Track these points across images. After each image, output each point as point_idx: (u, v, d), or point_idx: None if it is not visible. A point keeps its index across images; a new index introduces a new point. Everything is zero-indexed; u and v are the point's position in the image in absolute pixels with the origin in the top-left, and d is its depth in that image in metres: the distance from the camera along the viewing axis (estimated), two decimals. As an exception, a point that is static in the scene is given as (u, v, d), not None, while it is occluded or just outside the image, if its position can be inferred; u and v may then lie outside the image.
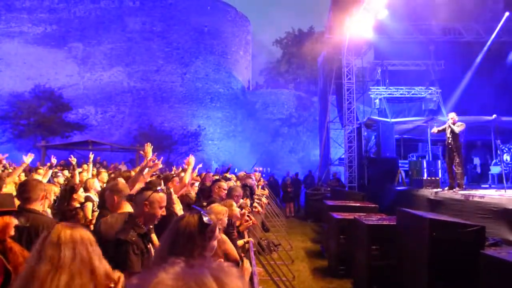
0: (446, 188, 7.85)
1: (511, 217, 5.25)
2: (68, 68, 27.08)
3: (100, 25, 27.44)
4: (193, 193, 5.63)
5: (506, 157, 10.66)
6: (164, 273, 0.58)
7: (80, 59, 27.36)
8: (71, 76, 27.00)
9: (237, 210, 4.12)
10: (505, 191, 7.08)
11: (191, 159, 4.66)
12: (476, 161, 13.32)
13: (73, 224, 1.60)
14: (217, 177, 9.03)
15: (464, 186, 7.90)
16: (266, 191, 11.49)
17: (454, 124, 7.71)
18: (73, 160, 6.60)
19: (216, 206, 2.91)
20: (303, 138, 30.31)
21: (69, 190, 4.95)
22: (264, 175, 21.51)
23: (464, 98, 14.05)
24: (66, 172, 8.28)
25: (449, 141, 7.83)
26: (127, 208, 2.90)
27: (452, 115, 7.89)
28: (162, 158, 8.31)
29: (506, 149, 10.83)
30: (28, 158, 5.23)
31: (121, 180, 4.30)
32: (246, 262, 2.69)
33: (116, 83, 27.05)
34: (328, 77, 18.02)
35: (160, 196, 2.52)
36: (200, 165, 8.88)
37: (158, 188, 2.65)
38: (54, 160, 6.40)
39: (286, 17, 43.85)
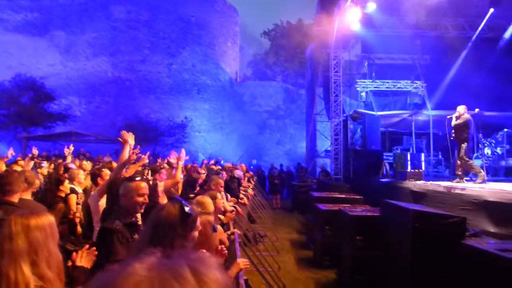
0: (456, 180, 7.82)
1: (490, 209, 5.38)
2: (50, 57, 26.41)
3: (83, 13, 26.78)
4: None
5: (487, 150, 10.91)
6: (138, 264, 0.55)
7: (63, 48, 26.71)
8: (53, 65, 26.36)
9: (221, 202, 4.11)
10: (486, 184, 7.25)
11: (183, 154, 4.62)
12: (459, 154, 13.58)
13: (28, 213, 1.58)
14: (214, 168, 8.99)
15: (462, 178, 7.84)
16: (253, 183, 11.52)
17: (457, 118, 7.81)
18: (70, 150, 6.51)
19: (202, 197, 2.89)
20: (290, 130, 30.39)
21: (55, 181, 4.86)
22: (252, 167, 21.56)
23: (449, 92, 14.26)
24: (46, 164, 8.12)
25: (452, 134, 7.94)
26: None
27: (459, 108, 7.88)
28: (148, 152, 8.22)
29: (487, 143, 11.08)
30: (10, 152, 5.11)
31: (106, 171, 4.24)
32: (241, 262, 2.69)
33: (101, 73, 26.53)
34: (315, 69, 18.05)
35: (136, 185, 2.50)
36: (187, 157, 8.82)
37: (138, 178, 2.63)
38: (35, 151, 6.26)
39: (275, 9, 43.57)
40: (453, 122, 7.80)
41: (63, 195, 4.38)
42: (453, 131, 7.88)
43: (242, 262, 2.62)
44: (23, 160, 6.30)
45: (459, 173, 7.87)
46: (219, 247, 2.65)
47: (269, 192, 15.71)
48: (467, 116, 7.73)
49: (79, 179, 4.77)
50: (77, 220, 4.38)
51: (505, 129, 10.64)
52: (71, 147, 6.69)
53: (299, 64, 34.74)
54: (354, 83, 16.67)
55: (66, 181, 4.50)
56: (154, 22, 27.16)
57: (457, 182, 7.70)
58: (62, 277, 1.51)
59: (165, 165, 5.99)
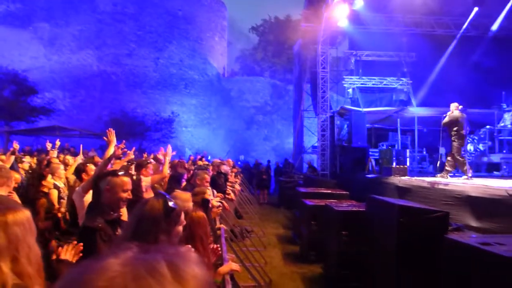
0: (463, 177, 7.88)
1: (472, 204, 5.50)
2: (34, 49, 25.79)
3: (68, 4, 26.17)
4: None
5: (469, 147, 11.13)
6: (113, 259, 0.52)
7: (47, 41, 26.10)
8: (37, 58, 25.75)
9: (210, 198, 4.10)
10: (468, 179, 7.41)
11: (169, 149, 4.60)
12: (442, 150, 13.83)
13: (4, 208, 1.54)
14: (201, 163, 8.94)
15: (447, 174, 7.95)
16: (240, 178, 11.51)
17: (449, 116, 7.95)
18: (49, 145, 6.38)
19: (181, 193, 2.87)
20: (277, 126, 30.44)
21: (37, 176, 4.76)
22: (239, 163, 21.56)
23: (433, 90, 14.50)
24: (28, 158, 7.97)
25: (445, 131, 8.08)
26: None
27: (451, 106, 8.04)
28: (134, 148, 8.13)
29: (470, 139, 11.30)
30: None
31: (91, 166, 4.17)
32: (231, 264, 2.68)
33: (86, 67, 26.05)
34: (303, 65, 18.09)
35: (121, 180, 2.46)
36: (174, 153, 8.75)
37: (120, 172, 2.58)
38: (16, 146, 6.12)
39: (263, 5, 43.39)
40: (444, 120, 7.96)
41: (46, 190, 4.30)
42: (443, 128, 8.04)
43: (235, 265, 2.62)
44: (4, 155, 6.15)
45: (448, 168, 7.99)
46: (213, 246, 2.65)
47: (257, 187, 15.77)
48: (455, 114, 7.89)
49: (59, 174, 4.68)
50: (60, 215, 4.31)
51: (488, 126, 10.87)
52: (57, 142, 6.56)
53: (287, 60, 34.76)
54: (341, 79, 16.78)
55: (49, 176, 4.41)
56: (141, 15, 26.76)
57: (441, 177, 7.85)
58: (41, 273, 1.48)
59: (152, 160, 5.93)
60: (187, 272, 0.52)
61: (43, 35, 26.07)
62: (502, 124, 10.93)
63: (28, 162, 7.48)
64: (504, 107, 10.90)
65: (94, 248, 2.16)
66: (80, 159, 5.64)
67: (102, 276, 0.49)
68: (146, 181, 4.50)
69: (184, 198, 2.77)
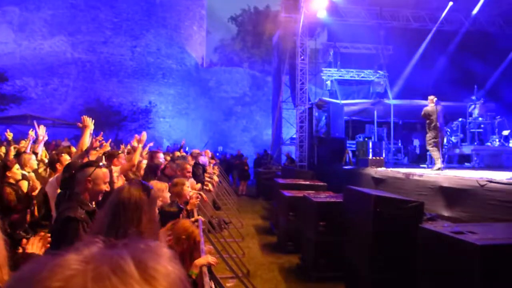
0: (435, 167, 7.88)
1: (446, 194, 5.66)
2: (2, 34, 24.67)
3: (39, -12, 25.13)
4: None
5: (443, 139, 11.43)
6: (73, 254, 0.46)
7: (17, 25, 24.99)
8: (6, 43, 24.66)
9: (188, 190, 4.04)
10: (441, 171, 7.61)
11: (144, 136, 4.48)
12: (416, 142, 14.20)
13: None
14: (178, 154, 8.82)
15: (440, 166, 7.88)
16: (217, 170, 11.45)
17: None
18: (9, 135, 6.08)
19: (156, 183, 2.83)
20: (256, 117, 30.41)
21: (1, 166, 4.55)
22: (217, 154, 21.45)
23: (409, 82, 14.78)
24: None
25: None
26: None
27: (430, 97, 8.20)
28: (110, 139, 7.91)
29: (449, 131, 11.60)
30: None
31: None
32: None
33: (59, 54, 25.13)
34: (282, 57, 18.06)
35: (103, 172, 2.46)
36: (151, 144, 8.58)
37: (100, 163, 2.53)
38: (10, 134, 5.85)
39: (241, -6, 42.89)
40: (422, 113, 8.14)
41: (12, 181, 4.11)
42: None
43: (212, 258, 2.61)
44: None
45: (436, 160, 8.10)
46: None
47: (239, 179, 15.82)
48: (430, 106, 8.08)
49: (31, 165, 4.49)
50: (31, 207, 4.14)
51: (460, 119, 11.18)
52: (31, 132, 6.22)
53: (266, 51, 34.64)
54: (319, 71, 16.85)
55: (16, 166, 4.21)
56: (117, 2, 25.96)
57: (436, 170, 7.84)
58: (5, 268, 1.40)
59: (127, 150, 5.79)
60: (157, 270, 0.47)
61: (13, 19, 24.94)
62: (471, 118, 11.27)
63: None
64: (474, 99, 11.23)
65: (75, 240, 2.09)
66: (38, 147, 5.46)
67: (57, 274, 0.43)
68: (115, 170, 4.39)
69: (159, 187, 2.72)
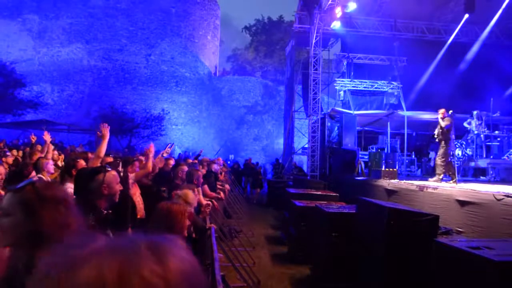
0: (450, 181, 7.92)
1: (460, 208, 5.56)
2: (22, 41, 25.34)
3: (58, -3, 25.81)
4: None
5: (458, 152, 11.27)
6: (101, 240, 0.50)
7: (36, 33, 25.66)
8: (25, 50, 25.31)
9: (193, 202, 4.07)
10: (456, 184, 7.50)
11: (151, 148, 4.60)
12: (432, 155, 13.99)
13: None
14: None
15: (441, 177, 7.95)
16: (228, 178, 11.48)
17: (442, 119, 8.05)
18: (33, 139, 6.23)
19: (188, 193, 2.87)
20: (268, 126, 30.45)
21: (19, 170, 4.64)
22: (229, 162, 21.52)
23: (424, 94, 14.66)
24: (15, 152, 7.79)
25: (438, 135, 8.16)
26: None
27: (441, 110, 8.17)
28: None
29: (458, 144, 11.45)
30: None
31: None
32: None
33: (75, 61, 25.68)
34: (295, 66, 18.13)
35: (113, 175, 2.47)
36: (169, 149, 8.66)
37: (107, 167, 2.56)
38: (34, 138, 6.08)
39: (257, 5, 43.40)
40: (443, 123, 8.05)
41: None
42: (439, 132, 8.16)
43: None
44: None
45: (439, 172, 8.07)
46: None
47: (252, 187, 15.85)
48: (447, 120, 8.01)
49: (48, 169, 4.57)
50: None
51: (475, 131, 11.02)
52: (44, 133, 6.37)
53: (278, 61, 34.82)
54: (332, 81, 16.85)
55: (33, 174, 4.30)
56: (133, 11, 26.49)
57: (434, 181, 7.90)
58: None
59: (141, 157, 5.86)
60: (169, 253, 0.49)
61: (32, 27, 25.62)
62: (471, 135, 11.08)
63: (11, 156, 7.31)
64: (475, 113, 11.08)
65: None
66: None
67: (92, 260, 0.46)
68: (131, 177, 4.47)
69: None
